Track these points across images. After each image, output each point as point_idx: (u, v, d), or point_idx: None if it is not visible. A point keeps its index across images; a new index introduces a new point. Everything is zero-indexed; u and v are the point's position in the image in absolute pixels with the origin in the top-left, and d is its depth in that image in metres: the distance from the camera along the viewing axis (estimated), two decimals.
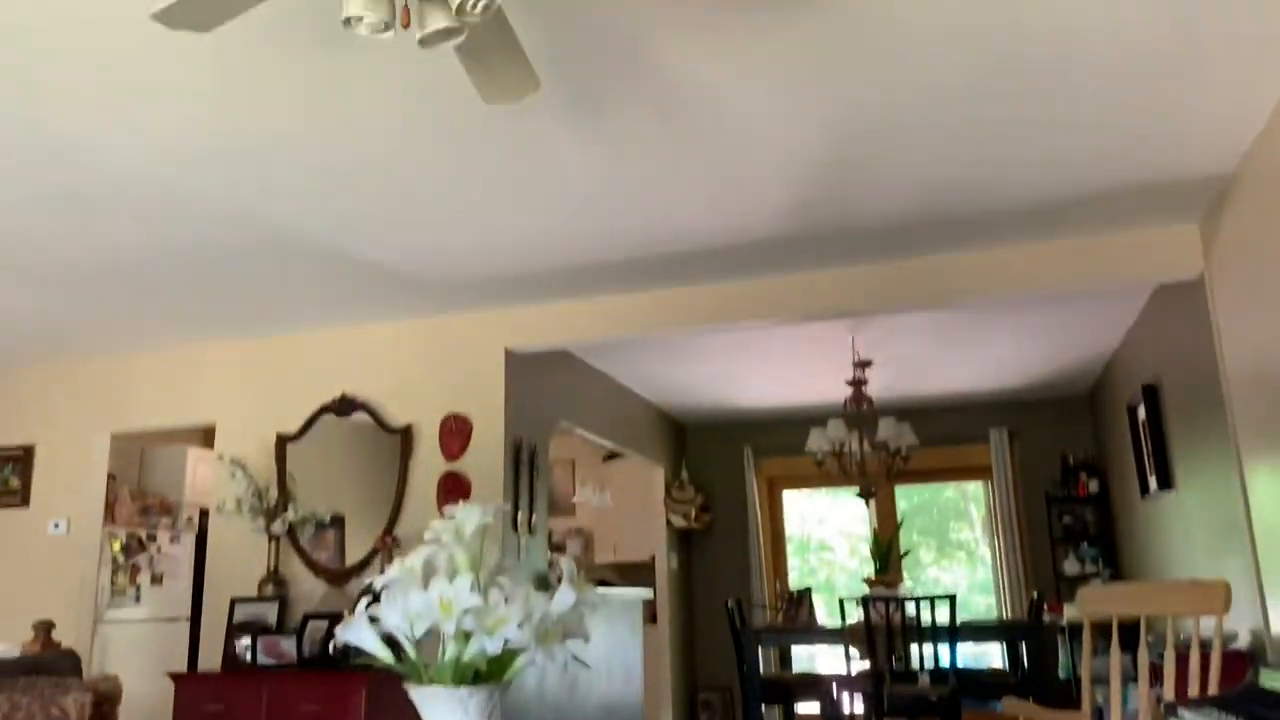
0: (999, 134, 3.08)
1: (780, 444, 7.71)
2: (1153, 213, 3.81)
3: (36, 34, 2.39)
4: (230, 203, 3.40)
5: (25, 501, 5.26)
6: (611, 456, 7.43)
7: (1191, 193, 3.61)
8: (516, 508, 4.67)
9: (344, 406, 4.85)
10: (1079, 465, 7.00)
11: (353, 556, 4.70)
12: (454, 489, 4.60)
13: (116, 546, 5.64)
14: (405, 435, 4.72)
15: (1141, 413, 5.24)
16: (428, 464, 4.68)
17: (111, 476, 5.59)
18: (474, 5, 1.76)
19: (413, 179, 3.28)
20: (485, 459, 4.62)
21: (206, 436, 6.14)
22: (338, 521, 4.79)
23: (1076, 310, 5.22)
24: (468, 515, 1.53)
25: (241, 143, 2.97)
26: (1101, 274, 4.05)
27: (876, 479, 5.64)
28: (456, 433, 4.67)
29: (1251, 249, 3.34)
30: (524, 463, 4.78)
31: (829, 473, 5.69)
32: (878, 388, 6.50)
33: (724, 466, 7.89)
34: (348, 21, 1.76)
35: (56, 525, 5.16)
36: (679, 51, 2.55)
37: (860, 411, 5.55)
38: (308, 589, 4.70)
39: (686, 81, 2.70)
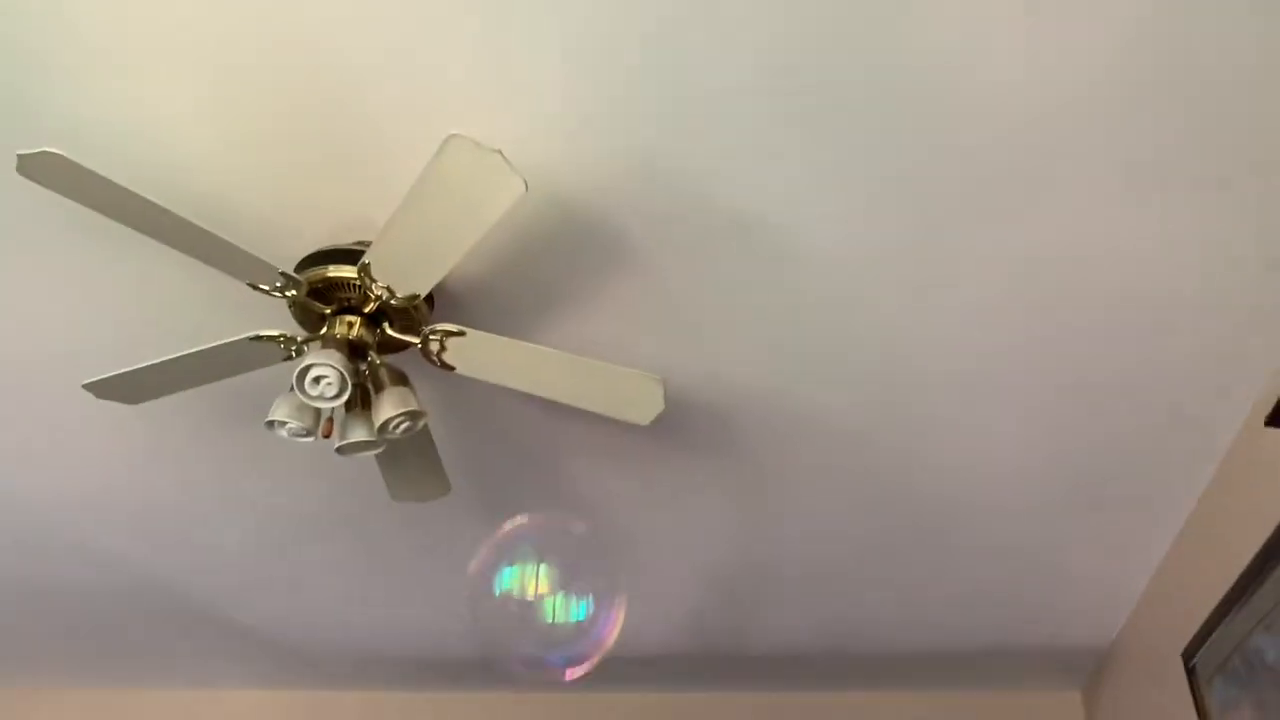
0: (885, 586, 3.20)
1: None
2: (1037, 676, 3.88)
3: None
4: (110, 548, 3.29)
5: None
6: None
7: (1072, 661, 3.71)
8: None
9: None
10: None
11: None
12: None
13: None
14: None
15: None
16: None
17: None
18: (395, 427, 1.87)
19: (305, 553, 3.24)
20: None
21: None
22: None
23: None
24: None
25: (141, 495, 2.94)
26: None
27: None
28: None
29: None
30: None
31: None
32: None
33: None
34: (271, 424, 1.84)
35: None
36: (586, 470, 2.69)
37: None
38: None
39: (591, 497, 2.82)
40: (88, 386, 2.02)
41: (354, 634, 3.84)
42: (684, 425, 2.46)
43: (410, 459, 2.29)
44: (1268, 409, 2.12)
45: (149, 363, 1.96)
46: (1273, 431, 2.18)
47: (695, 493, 2.77)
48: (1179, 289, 1.98)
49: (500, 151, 1.51)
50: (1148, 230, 1.85)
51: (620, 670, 4.02)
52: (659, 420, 2.15)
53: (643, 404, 2.03)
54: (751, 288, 2.02)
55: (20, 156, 1.49)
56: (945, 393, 2.34)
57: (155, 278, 2.07)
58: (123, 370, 1.98)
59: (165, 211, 1.61)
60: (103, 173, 1.53)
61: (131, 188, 1.56)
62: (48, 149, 1.48)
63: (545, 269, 2.00)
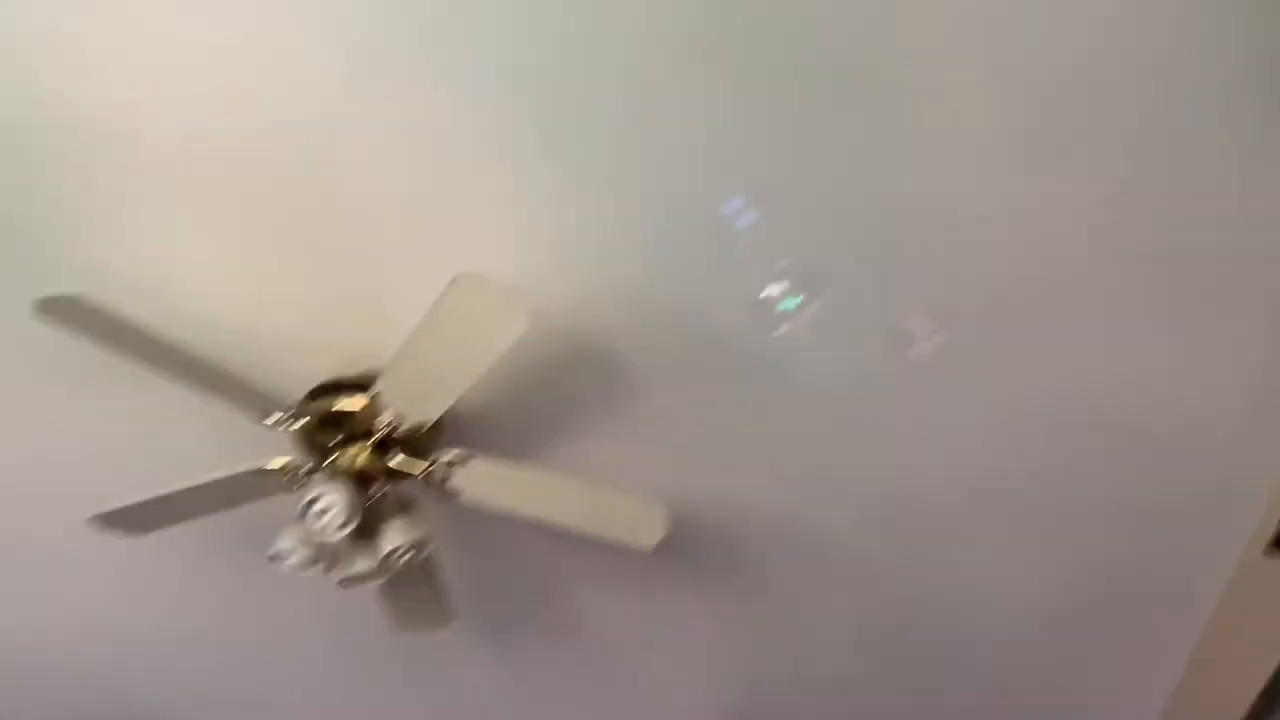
0: (894, 703, 3.12)
1: None
2: None
3: None
4: (106, 680, 3.22)
5: None
6: None
7: None
8: None
9: None
10: None
11: None
12: None
13: None
14: None
15: None
16: None
17: None
18: (400, 557, 1.86)
19: (305, 678, 3.16)
20: None
21: None
22: None
23: None
24: None
25: (136, 625, 2.90)
26: None
27: None
28: None
29: None
30: None
31: None
32: None
33: None
34: (274, 557, 1.84)
35: None
36: (592, 594, 2.66)
37: None
38: None
39: (597, 620, 2.78)
40: (93, 520, 2.02)
41: None
42: (689, 549, 2.45)
43: (413, 589, 2.27)
44: (1268, 537, 2.12)
45: (154, 495, 1.97)
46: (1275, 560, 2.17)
47: (701, 618, 2.73)
48: (1182, 417, 2.00)
49: (504, 290, 1.56)
50: (1150, 362, 1.89)
51: None
52: (667, 546, 2.15)
53: (645, 530, 2.03)
54: (753, 413, 2.05)
55: (40, 301, 1.53)
56: (949, 517, 2.34)
57: (162, 409, 2.09)
58: (128, 503, 1.99)
59: (177, 350, 1.64)
60: (115, 304, 1.58)
61: (146, 319, 1.60)
62: (64, 294, 1.52)
63: (547, 397, 2.03)
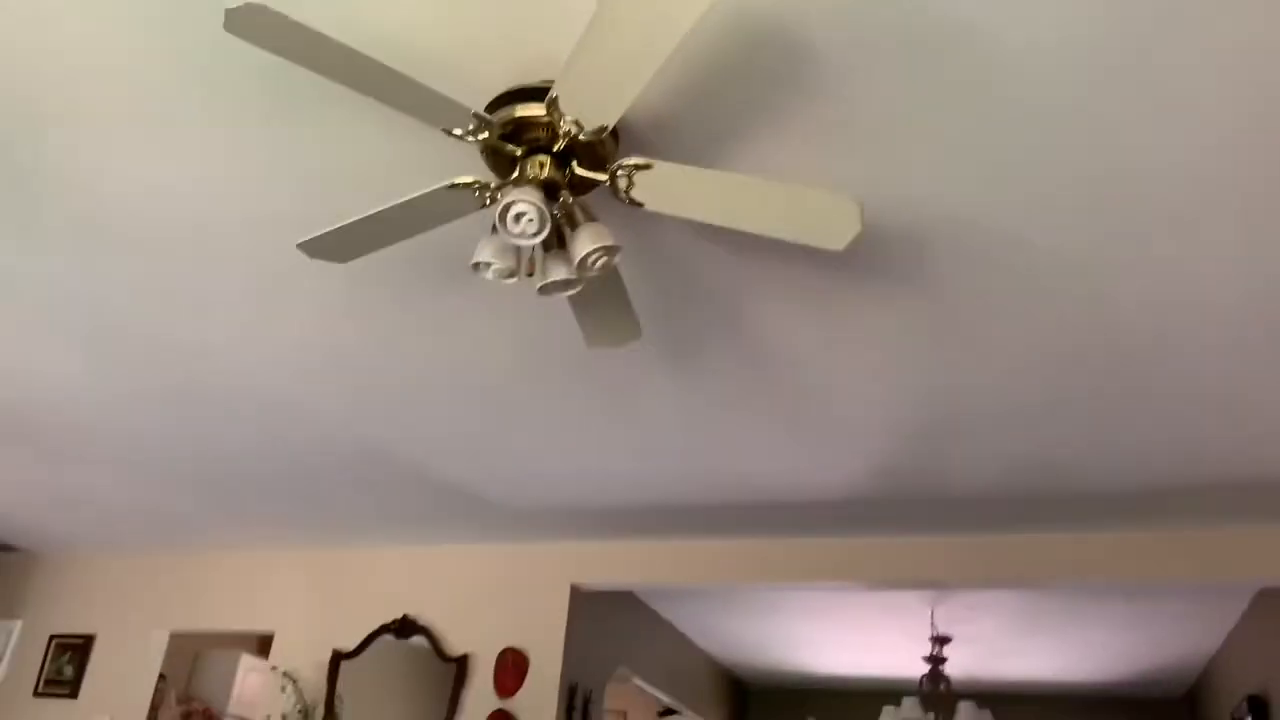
0: (1089, 418, 3.06)
1: (849, 718, 7.23)
2: (1252, 511, 3.67)
3: (173, 238, 2.60)
4: (327, 414, 3.54)
5: (74, 694, 5.18)
6: (667, 713, 7.05)
7: (1272, 497, 3.49)
8: None
9: (404, 629, 4.77)
10: None
11: None
12: None
13: None
14: (461, 665, 4.59)
15: None
16: (480, 699, 4.51)
17: (162, 677, 5.51)
18: (593, 261, 1.88)
19: (505, 409, 3.39)
20: (538, 700, 4.42)
21: (262, 645, 6.06)
22: None
23: (1173, 605, 4.94)
24: None
25: (353, 360, 3.13)
26: (1197, 571, 3.87)
27: None
28: (513, 668, 4.51)
29: None
30: (577, 709, 4.57)
31: None
32: (956, 667, 6.13)
33: None
34: (477, 266, 1.90)
35: None
36: (774, 309, 2.66)
37: (937, 691, 5.22)
38: None
39: (780, 338, 2.80)
40: (301, 246, 2.13)
41: (550, 486, 4.04)
42: (875, 257, 2.38)
43: (603, 303, 2.32)
44: None
45: (356, 218, 2.04)
46: None
47: (884, 330, 2.70)
48: None
49: None
50: None
51: (814, 515, 4.07)
52: (850, 248, 2.08)
53: (837, 228, 1.96)
54: (957, 101, 1.89)
55: (228, 11, 1.53)
56: (1164, 222, 2.16)
57: (346, 136, 2.13)
58: (332, 227, 2.07)
59: (365, 59, 1.64)
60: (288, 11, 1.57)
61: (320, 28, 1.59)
62: (251, 2, 1.52)
63: (729, 93, 1.93)
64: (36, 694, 5.25)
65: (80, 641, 5.32)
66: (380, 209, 2.01)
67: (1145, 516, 3.81)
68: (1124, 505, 3.72)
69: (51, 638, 5.37)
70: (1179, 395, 2.89)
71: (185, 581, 5.34)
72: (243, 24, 1.56)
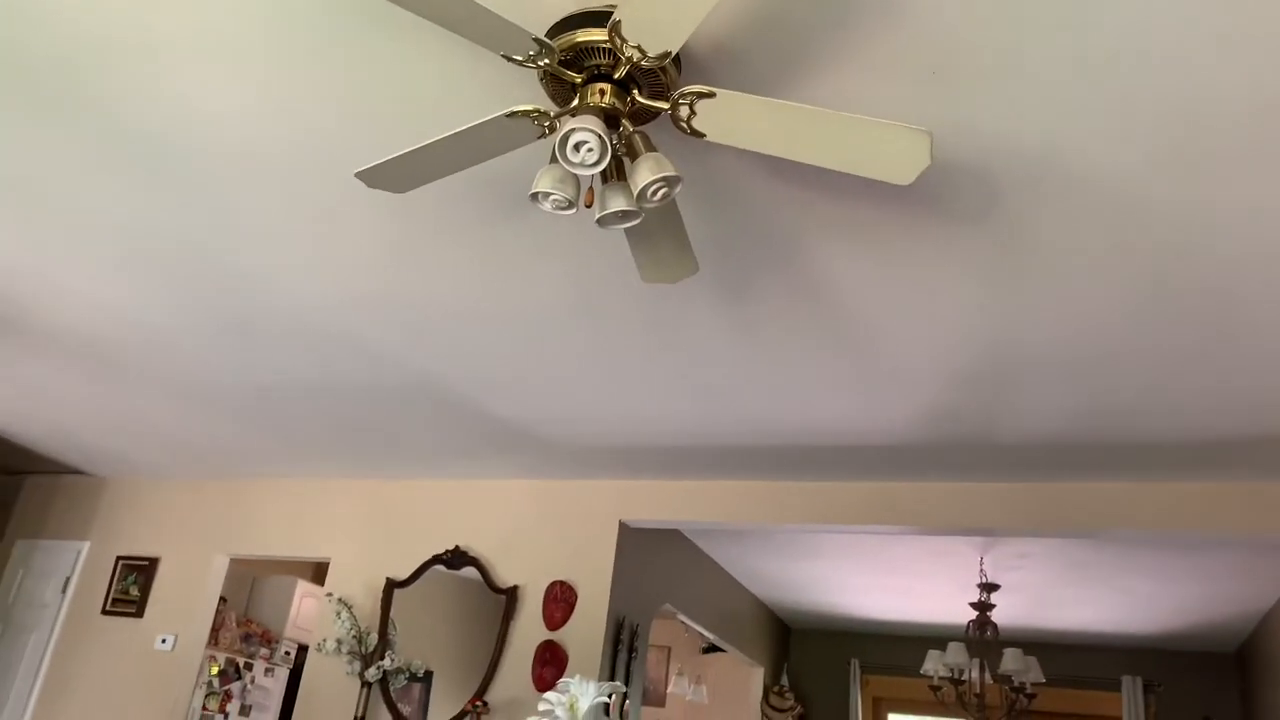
0: (1160, 365, 2.98)
1: (891, 662, 7.27)
2: None
3: (233, 167, 2.61)
4: (382, 346, 3.58)
5: (140, 613, 5.39)
6: (710, 649, 7.15)
7: None
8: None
9: (455, 559, 4.86)
10: None
11: (436, 715, 4.58)
12: (550, 660, 4.48)
13: (214, 670, 5.68)
14: (511, 596, 4.68)
15: None
16: (528, 630, 4.60)
17: (223, 599, 5.70)
18: (653, 192, 1.85)
19: (557, 346, 3.39)
20: (586, 633, 4.50)
21: (318, 571, 6.24)
22: (427, 676, 4.72)
23: (1229, 558, 4.85)
24: (584, 691, 1.47)
25: (407, 292, 3.14)
26: (1254, 525, 3.78)
27: (996, 715, 5.21)
28: (561, 601, 4.59)
29: None
30: (624, 643, 4.64)
31: (944, 701, 5.30)
32: (1003, 615, 6.11)
33: (828, 677, 7.47)
34: (535, 196, 1.87)
35: (164, 641, 5.25)
36: (832, 249, 2.60)
37: (984, 638, 5.21)
38: None
39: (837, 279, 2.75)
40: (360, 175, 2.12)
41: (601, 423, 4.05)
42: (943, 194, 2.31)
43: (660, 238, 2.29)
44: None
45: (413, 148, 2.03)
46: None
47: (946, 272, 2.63)
48: None
49: None
50: None
51: (865, 458, 4.04)
52: (917, 186, 2.02)
53: (906, 161, 1.90)
54: (1038, 33, 1.80)
55: None
56: (1250, 162, 2.06)
57: (404, 62, 2.11)
58: (390, 156, 2.06)
59: None
60: None
61: None
62: None
63: (797, 20, 1.87)
64: (104, 612, 5.47)
65: (145, 563, 5.51)
66: (438, 138, 1.99)
67: (1203, 467, 3.72)
68: (1181, 456, 3.63)
69: (118, 559, 5.58)
70: (1247, 348, 2.79)
71: (244, 509, 5.49)
72: None
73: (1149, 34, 1.79)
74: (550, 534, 4.79)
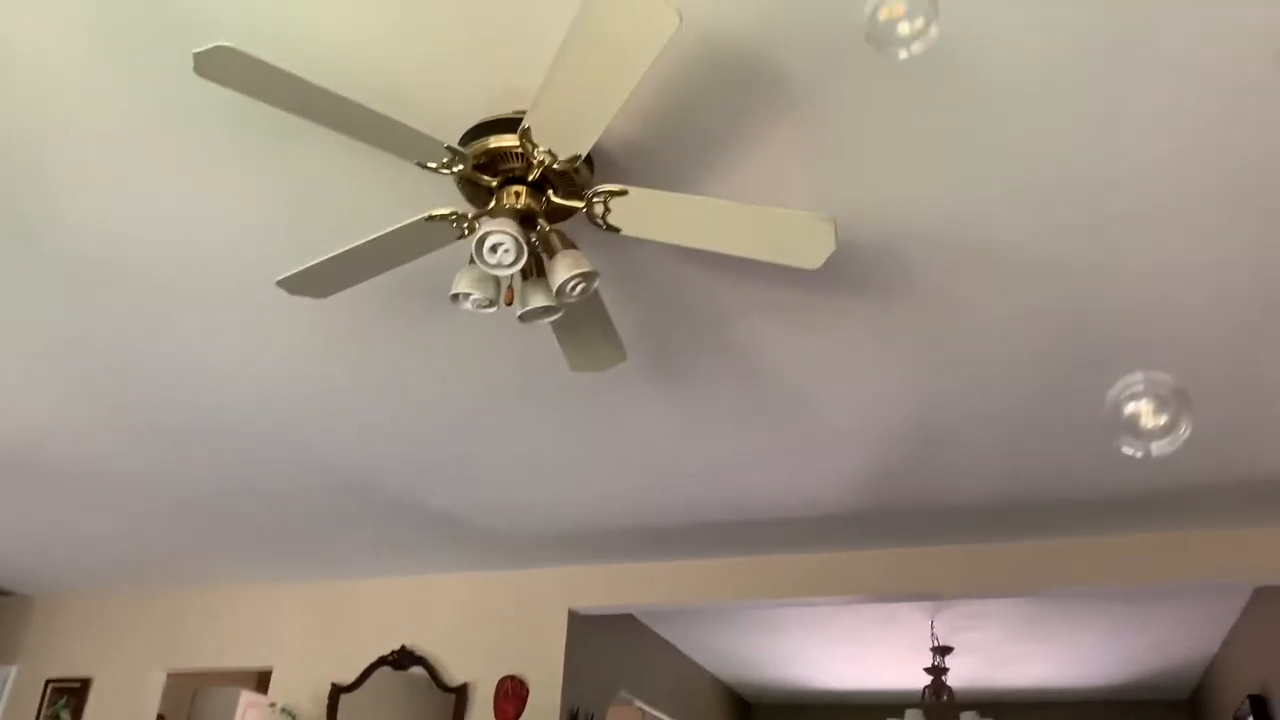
0: (1082, 424, 3.07)
1: None
2: (1246, 510, 3.68)
3: (157, 273, 2.61)
4: (316, 445, 3.54)
5: None
6: None
7: (1274, 492, 3.50)
8: None
9: (402, 659, 4.74)
10: None
11: None
12: None
13: None
14: (460, 695, 4.56)
15: None
16: None
17: (160, 717, 5.46)
18: (572, 288, 1.89)
19: (493, 436, 3.39)
20: None
21: (261, 680, 6.02)
22: None
23: (1173, 607, 4.94)
24: None
25: (339, 390, 3.13)
26: (1194, 571, 3.87)
27: None
28: (513, 696, 4.49)
29: None
30: None
31: None
32: (958, 677, 6.11)
33: None
34: (455, 297, 1.90)
35: None
36: (760, 327, 2.66)
37: (940, 702, 5.20)
38: None
39: (767, 356, 2.80)
40: (281, 282, 2.13)
41: (543, 511, 4.02)
42: (854, 269, 2.39)
43: (586, 328, 2.33)
44: None
45: (334, 254, 2.05)
46: None
47: (869, 341, 2.70)
48: None
49: None
50: None
51: (810, 529, 4.07)
52: (829, 264, 2.08)
53: (813, 246, 1.98)
54: (927, 111, 1.90)
55: (196, 55, 1.54)
56: (1135, 219, 2.17)
57: (322, 173, 2.14)
58: (310, 264, 2.08)
59: (337, 97, 1.65)
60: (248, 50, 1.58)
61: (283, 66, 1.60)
62: (222, 44, 1.53)
63: (701, 118, 1.95)
64: None
65: (77, 685, 5.27)
66: (358, 243, 2.02)
67: (1139, 519, 3.82)
68: (1112, 510, 3.72)
69: (48, 682, 5.32)
70: None
71: (181, 620, 5.31)
72: (212, 67, 1.57)
73: (1039, 106, 1.89)
74: (498, 627, 4.70)
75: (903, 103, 1.89)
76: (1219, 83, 1.81)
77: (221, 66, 1.57)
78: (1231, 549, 3.85)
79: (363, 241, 2.01)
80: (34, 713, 5.25)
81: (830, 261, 2.06)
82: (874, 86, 1.85)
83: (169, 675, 5.31)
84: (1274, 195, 2.07)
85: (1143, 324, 2.56)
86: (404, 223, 1.97)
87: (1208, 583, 3.89)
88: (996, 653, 5.81)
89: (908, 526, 4.00)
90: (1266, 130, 1.91)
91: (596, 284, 1.95)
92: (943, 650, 5.43)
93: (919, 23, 1.44)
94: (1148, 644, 5.55)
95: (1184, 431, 1.33)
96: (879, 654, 6.00)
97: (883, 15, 1.45)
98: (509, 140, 1.86)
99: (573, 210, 1.98)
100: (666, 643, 6.01)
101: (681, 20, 1.51)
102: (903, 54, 1.46)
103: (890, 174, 2.08)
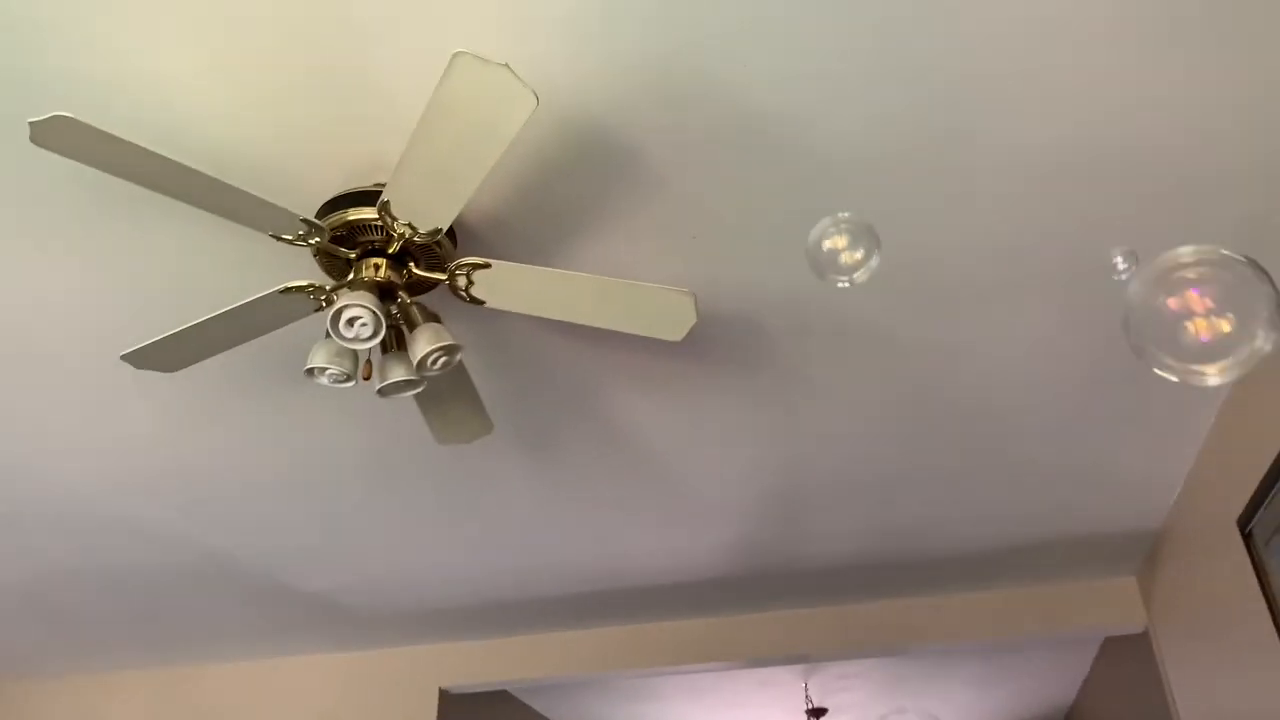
0: (930, 485, 3.20)
1: None
2: (1090, 565, 3.89)
3: (2, 362, 2.46)
4: (162, 526, 3.35)
5: None
6: None
7: (1125, 546, 3.71)
8: None
9: None
10: None
11: None
12: None
13: None
14: None
15: None
16: None
17: None
18: (433, 361, 1.87)
19: (354, 511, 3.28)
20: None
21: None
22: None
23: (1031, 660, 5.14)
24: None
25: (187, 467, 2.98)
26: (1045, 624, 4.05)
27: None
28: None
29: (1187, 602, 3.39)
30: None
31: None
32: None
33: None
34: (311, 372, 1.86)
35: None
36: (627, 397, 2.69)
37: None
38: None
39: (635, 424, 2.83)
40: (126, 357, 2.04)
41: (408, 587, 3.91)
42: (717, 340, 2.45)
43: (451, 400, 2.30)
44: None
45: (183, 327, 1.97)
46: None
47: (734, 408, 2.76)
48: (1206, 168, 1.93)
49: (508, 65, 1.49)
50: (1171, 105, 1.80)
51: (684, 595, 4.07)
52: (691, 336, 2.13)
53: (673, 320, 2.02)
54: (776, 192, 1.99)
55: (32, 124, 1.48)
56: (976, 291, 2.31)
57: (174, 243, 2.07)
58: (157, 338, 2.00)
59: (184, 168, 1.60)
60: (97, 119, 1.53)
61: (138, 139, 1.56)
62: (59, 114, 1.47)
63: (562, 194, 1.98)
64: None
65: None
66: (209, 316, 1.95)
67: (991, 577, 3.98)
68: (964, 568, 3.87)
69: None
70: (999, 465, 3.06)
71: (14, 715, 4.88)
72: (49, 136, 1.51)
73: (878, 191, 2.00)
74: (366, 709, 4.50)
75: (748, 185, 1.97)
76: (1035, 173, 1.96)
77: (59, 135, 1.51)
78: (1078, 602, 4.05)
79: (214, 314, 1.95)
80: None
81: (694, 334, 2.11)
82: (728, 169, 1.93)
83: None
84: (1087, 278, 2.24)
85: (979, 394, 2.70)
86: (258, 295, 1.92)
87: (1058, 635, 4.07)
88: (870, 711, 5.90)
89: (777, 590, 4.06)
90: (1077, 218, 2.07)
91: (459, 357, 1.94)
92: (818, 712, 5.48)
93: (859, 254, 1.55)
94: (1010, 695, 5.75)
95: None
96: (758, 718, 6.01)
97: (826, 245, 1.55)
98: (368, 213, 1.85)
99: (435, 283, 1.97)
100: (543, 718, 5.86)
101: (539, 101, 1.54)
102: (842, 283, 1.57)
103: (742, 251, 2.15)
